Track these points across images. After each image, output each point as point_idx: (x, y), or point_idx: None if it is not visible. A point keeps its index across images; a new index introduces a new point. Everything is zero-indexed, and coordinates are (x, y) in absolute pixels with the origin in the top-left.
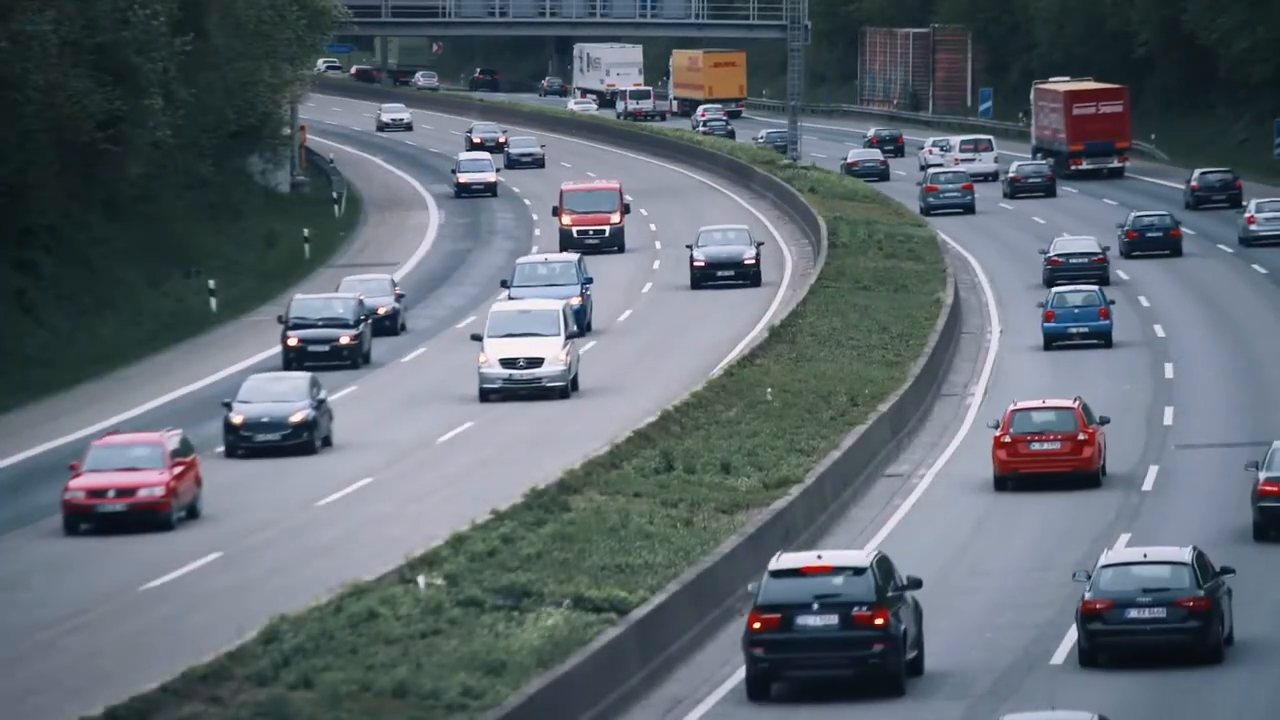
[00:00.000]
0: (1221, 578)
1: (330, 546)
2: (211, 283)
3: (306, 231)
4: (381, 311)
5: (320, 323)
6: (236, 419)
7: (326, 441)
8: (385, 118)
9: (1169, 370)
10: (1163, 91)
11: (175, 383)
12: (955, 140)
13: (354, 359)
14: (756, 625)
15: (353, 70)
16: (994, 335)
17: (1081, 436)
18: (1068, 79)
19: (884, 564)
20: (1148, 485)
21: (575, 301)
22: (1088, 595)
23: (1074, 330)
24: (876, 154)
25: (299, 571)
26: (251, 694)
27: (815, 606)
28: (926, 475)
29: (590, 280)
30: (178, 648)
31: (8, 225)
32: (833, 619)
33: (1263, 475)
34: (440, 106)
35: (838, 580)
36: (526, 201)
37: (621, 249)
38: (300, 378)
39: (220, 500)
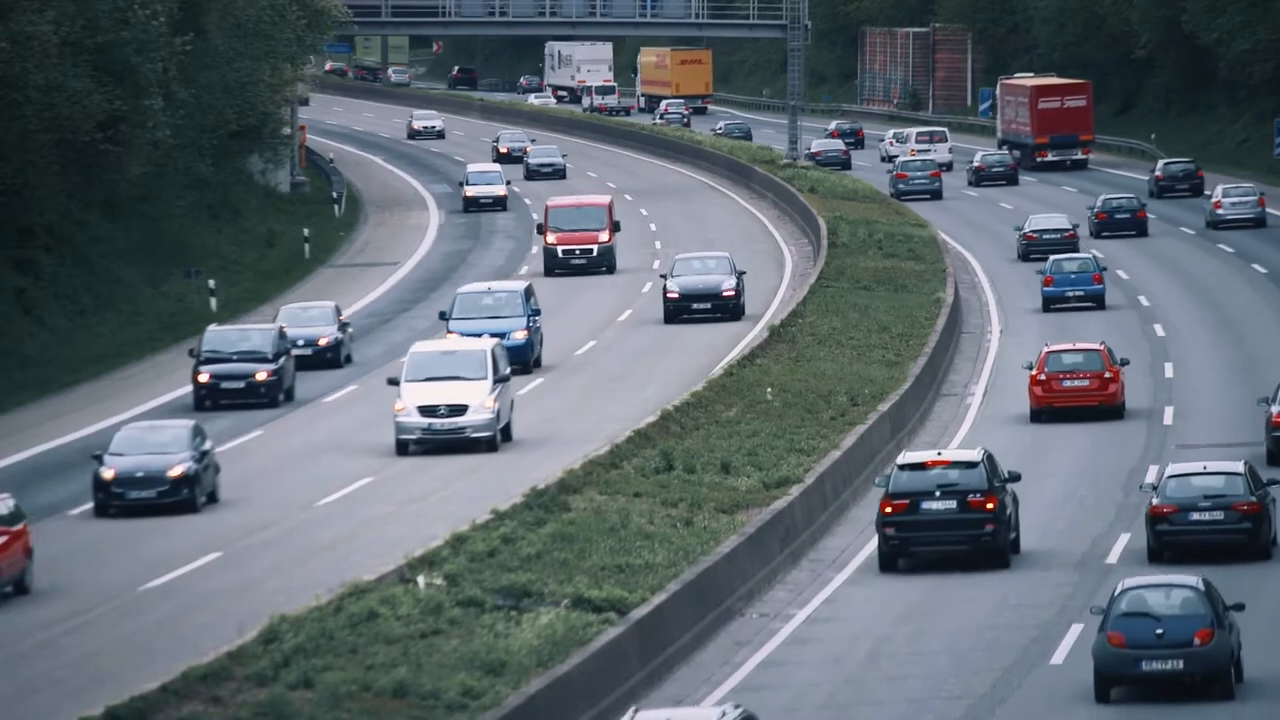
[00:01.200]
0: (1268, 488)
1: (330, 546)
2: (211, 282)
3: (306, 231)
4: (322, 342)
5: (235, 357)
6: (108, 474)
7: (212, 497)
8: (418, 125)
9: (1169, 370)
10: (1163, 91)
11: (175, 383)
12: (911, 132)
13: (272, 397)
14: (888, 510)
15: (326, 67)
16: (994, 334)
17: (1107, 374)
18: (1032, 74)
19: (991, 460)
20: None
21: (521, 336)
22: (1155, 501)
23: (1071, 294)
24: (839, 144)
25: (299, 571)
26: (251, 694)
27: (937, 493)
28: None
29: (538, 312)
30: (178, 648)
31: (8, 225)
32: (952, 504)
33: (1275, 409)
34: (442, 107)
35: (955, 472)
36: (527, 201)
37: (611, 269)
38: (181, 426)
39: (221, 499)
